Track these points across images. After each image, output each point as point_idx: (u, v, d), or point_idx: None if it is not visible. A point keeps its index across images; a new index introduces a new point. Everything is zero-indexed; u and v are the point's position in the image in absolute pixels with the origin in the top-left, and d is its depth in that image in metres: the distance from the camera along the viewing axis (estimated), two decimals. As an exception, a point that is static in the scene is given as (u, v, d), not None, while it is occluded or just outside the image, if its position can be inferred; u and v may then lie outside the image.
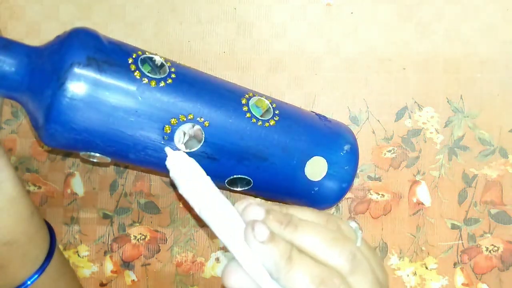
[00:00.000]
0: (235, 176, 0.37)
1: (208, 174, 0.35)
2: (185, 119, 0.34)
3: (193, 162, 0.30)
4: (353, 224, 0.29)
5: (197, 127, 0.35)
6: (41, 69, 0.32)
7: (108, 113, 0.32)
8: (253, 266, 0.25)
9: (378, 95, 0.48)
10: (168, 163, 0.30)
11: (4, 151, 0.34)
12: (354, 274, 0.25)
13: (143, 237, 0.48)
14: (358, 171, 0.47)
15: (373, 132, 0.48)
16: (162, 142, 0.34)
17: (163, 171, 0.38)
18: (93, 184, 0.48)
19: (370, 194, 0.47)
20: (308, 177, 0.39)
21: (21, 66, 0.32)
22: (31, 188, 0.48)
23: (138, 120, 0.33)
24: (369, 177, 0.47)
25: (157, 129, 0.33)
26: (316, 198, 0.41)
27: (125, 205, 0.48)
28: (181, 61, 0.48)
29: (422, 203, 0.47)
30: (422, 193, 0.47)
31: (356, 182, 0.47)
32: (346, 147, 0.40)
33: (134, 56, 0.34)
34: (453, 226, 0.47)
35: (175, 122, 0.34)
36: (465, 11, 0.47)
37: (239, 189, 0.39)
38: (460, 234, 0.47)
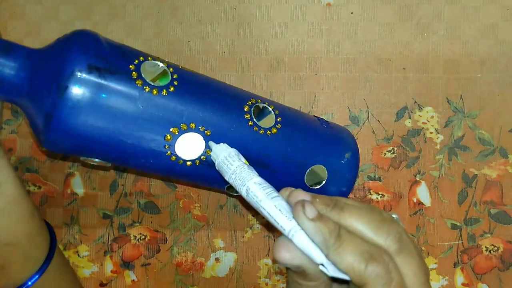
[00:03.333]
0: None
1: (208, 180, 0.36)
2: (186, 128, 0.34)
3: (235, 152, 0.32)
4: (394, 215, 0.29)
5: (199, 136, 0.34)
6: (41, 73, 0.31)
7: (108, 121, 0.32)
8: (303, 240, 0.26)
9: (378, 95, 0.48)
10: (213, 154, 0.32)
11: (4, 152, 0.34)
12: (401, 254, 0.26)
13: (143, 237, 0.48)
14: (358, 171, 0.47)
15: (373, 132, 0.48)
16: (163, 151, 0.34)
17: (164, 175, 0.38)
18: (93, 184, 0.48)
19: (370, 194, 0.47)
20: (308, 185, 0.39)
21: (22, 70, 0.31)
22: (31, 188, 0.48)
23: (139, 128, 0.32)
24: (369, 177, 0.47)
25: (158, 138, 0.33)
26: None
27: (125, 205, 0.48)
28: (181, 61, 0.48)
29: (422, 203, 0.47)
30: (422, 193, 0.47)
31: (356, 182, 0.47)
32: (347, 155, 0.40)
33: (136, 63, 0.33)
34: (453, 226, 0.47)
35: (176, 131, 0.33)
36: (465, 11, 0.47)
37: (238, 194, 0.39)
38: (460, 234, 0.47)
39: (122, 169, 0.48)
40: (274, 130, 0.37)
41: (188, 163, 0.35)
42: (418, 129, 0.47)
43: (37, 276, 0.35)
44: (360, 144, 0.44)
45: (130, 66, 0.33)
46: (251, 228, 0.48)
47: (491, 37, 0.47)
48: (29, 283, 0.35)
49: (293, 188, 0.28)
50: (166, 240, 0.48)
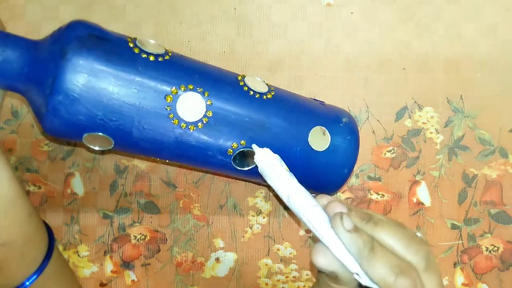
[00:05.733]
0: (242, 150, 0.37)
1: (216, 147, 0.37)
2: (185, 89, 0.35)
3: (277, 158, 0.34)
4: (418, 234, 0.31)
5: (198, 96, 0.36)
6: (44, 50, 0.34)
7: (110, 83, 0.33)
8: (339, 249, 0.28)
9: (378, 95, 0.48)
10: (256, 158, 0.35)
11: (2, 151, 0.34)
12: (427, 272, 0.28)
13: (143, 237, 0.48)
14: (358, 171, 0.47)
15: (373, 132, 0.48)
16: (164, 113, 0.35)
17: (169, 148, 0.37)
18: (93, 184, 0.48)
19: (370, 194, 0.47)
20: (312, 147, 0.39)
21: (24, 54, 0.34)
22: (31, 188, 0.48)
23: (140, 90, 0.34)
24: (369, 177, 0.47)
25: (158, 99, 0.35)
26: (324, 171, 0.40)
27: (125, 205, 0.48)
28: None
29: (422, 203, 0.47)
30: (422, 193, 0.47)
31: (356, 182, 0.47)
32: (345, 120, 0.41)
33: (131, 38, 0.36)
34: (453, 226, 0.47)
35: (175, 92, 0.35)
36: (465, 11, 0.47)
37: (246, 168, 0.39)
38: (460, 234, 0.47)
39: (123, 168, 0.48)
40: (269, 95, 0.39)
41: (191, 127, 0.36)
42: (418, 129, 0.47)
43: (35, 276, 0.35)
44: (360, 144, 0.44)
45: (127, 39, 0.36)
46: (251, 228, 0.48)
47: (491, 37, 0.47)
48: (27, 283, 0.35)
49: (330, 198, 0.30)
50: (166, 240, 0.48)
